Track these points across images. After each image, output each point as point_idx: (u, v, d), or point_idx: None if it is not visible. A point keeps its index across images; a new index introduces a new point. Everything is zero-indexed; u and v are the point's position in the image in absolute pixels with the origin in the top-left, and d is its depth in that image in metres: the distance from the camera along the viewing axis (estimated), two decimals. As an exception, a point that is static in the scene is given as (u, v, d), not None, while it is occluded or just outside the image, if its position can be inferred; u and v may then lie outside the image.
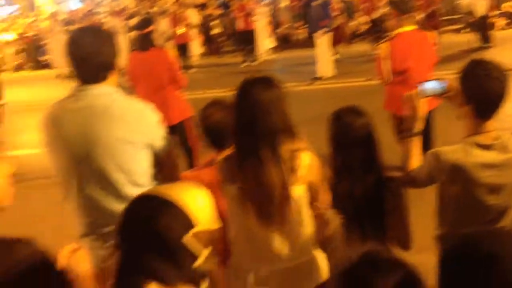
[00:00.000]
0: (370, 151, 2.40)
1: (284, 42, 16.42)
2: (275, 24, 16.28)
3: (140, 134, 2.37)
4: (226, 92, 10.85)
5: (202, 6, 17.55)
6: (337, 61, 12.08)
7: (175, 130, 5.43)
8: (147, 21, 5.87)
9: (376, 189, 2.34)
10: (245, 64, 14.03)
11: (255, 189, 2.15)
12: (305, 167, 2.15)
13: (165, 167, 2.56)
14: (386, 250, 1.30)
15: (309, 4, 12.16)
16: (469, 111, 2.27)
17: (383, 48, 5.04)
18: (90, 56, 2.32)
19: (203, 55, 16.56)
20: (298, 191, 2.17)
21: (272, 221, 2.16)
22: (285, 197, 2.13)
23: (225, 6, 16.93)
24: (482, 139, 2.23)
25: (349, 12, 16.05)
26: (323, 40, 10.77)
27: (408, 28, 4.95)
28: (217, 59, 15.85)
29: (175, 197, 1.27)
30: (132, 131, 2.35)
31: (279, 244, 2.21)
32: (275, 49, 15.26)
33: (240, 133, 2.18)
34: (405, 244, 2.39)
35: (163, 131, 2.50)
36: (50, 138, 2.41)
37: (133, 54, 5.78)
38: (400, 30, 4.95)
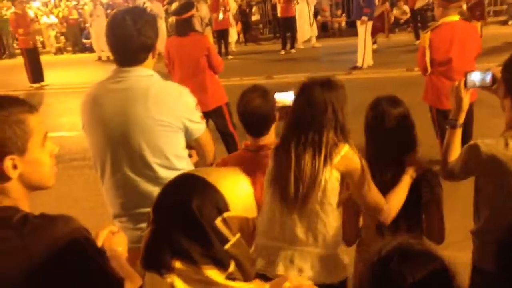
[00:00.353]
0: (406, 141, 2.36)
1: (324, 30, 16.26)
2: (315, 12, 16.10)
3: (178, 116, 2.38)
4: (263, 80, 10.94)
5: (241, -7, 17.57)
6: (376, 51, 11.92)
7: (211, 116, 5.46)
8: (187, 6, 5.88)
9: (414, 182, 2.31)
10: (284, 52, 13.97)
11: (286, 172, 2.19)
12: (341, 157, 2.17)
13: (200, 151, 2.58)
14: (419, 243, 1.27)
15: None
16: (509, 103, 2.20)
17: (424, 38, 4.94)
18: (131, 37, 2.33)
19: (241, 42, 16.58)
20: (330, 179, 2.17)
21: (295, 205, 2.19)
22: (314, 184, 2.15)
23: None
24: None
25: (392, 1, 15.79)
26: (364, 29, 10.61)
27: (453, 18, 4.83)
28: (255, 46, 15.85)
29: (213, 179, 1.27)
30: (170, 113, 2.36)
31: (299, 229, 2.23)
32: (317, 38, 15.10)
33: (292, 125, 2.25)
34: (438, 238, 2.36)
35: (200, 115, 2.51)
36: (88, 117, 2.45)
37: (171, 39, 5.81)
38: (445, 19, 4.83)
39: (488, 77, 2.34)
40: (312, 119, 2.18)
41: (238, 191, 1.30)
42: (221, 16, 13.89)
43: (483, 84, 2.37)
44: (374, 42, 12.06)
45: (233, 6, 15.11)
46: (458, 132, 2.37)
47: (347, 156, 2.18)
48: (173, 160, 2.41)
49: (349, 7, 15.42)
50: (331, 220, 2.24)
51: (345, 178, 2.21)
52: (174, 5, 14.85)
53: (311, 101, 2.20)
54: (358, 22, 10.75)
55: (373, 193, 2.23)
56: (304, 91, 2.25)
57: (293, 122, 2.25)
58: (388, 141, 2.33)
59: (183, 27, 5.55)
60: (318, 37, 15.15)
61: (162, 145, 2.37)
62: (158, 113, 2.34)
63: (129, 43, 2.35)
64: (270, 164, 2.31)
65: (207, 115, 5.56)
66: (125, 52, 2.39)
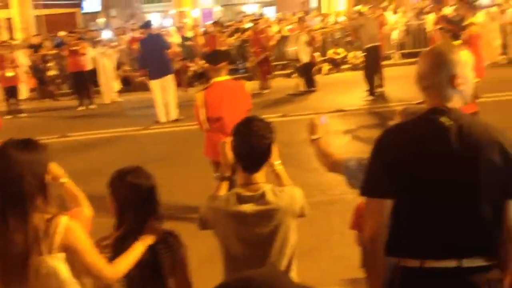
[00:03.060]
0: (144, 211, 2.38)
1: (126, 84, 16.21)
2: (117, 66, 15.96)
3: None
4: (57, 138, 10.37)
5: (36, 47, 16.72)
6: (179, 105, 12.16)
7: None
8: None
9: (152, 247, 2.33)
10: (81, 108, 13.51)
11: None
12: (63, 233, 2.08)
13: None
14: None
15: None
16: (238, 164, 2.47)
17: (198, 97, 5.30)
18: None
19: (36, 98, 15.66)
20: (54, 260, 2.09)
21: None
22: (27, 268, 2.03)
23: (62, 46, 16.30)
24: (243, 190, 2.43)
25: (190, 55, 16.43)
26: (153, 85, 10.88)
27: (222, 78, 5.27)
28: (51, 103, 15.06)
29: None
30: None
31: None
32: (118, 92, 14.96)
33: None
34: None
35: None
36: None
37: None
38: (214, 80, 5.29)
39: None
40: (9, 188, 2.04)
41: None
42: (9, 72, 12.97)
43: None
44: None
45: (23, 62, 14.25)
46: (224, 185, 2.58)
47: (69, 231, 2.08)
48: None
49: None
50: None
51: (70, 255, 2.11)
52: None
53: (6, 167, 2.04)
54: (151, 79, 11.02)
55: (94, 258, 2.17)
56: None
57: None
58: (125, 211, 2.36)
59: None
60: (120, 92, 15.07)
61: None
62: None
63: None
64: None
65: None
66: None
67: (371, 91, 11.14)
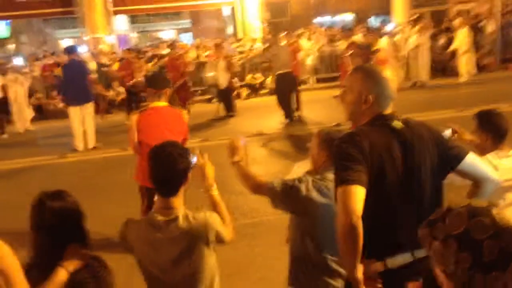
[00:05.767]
0: (64, 236, 2.32)
1: (40, 113, 15.62)
2: (29, 93, 15.30)
3: None
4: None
5: None
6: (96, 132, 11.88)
7: None
8: None
9: (75, 274, 2.26)
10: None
11: None
12: None
13: None
14: None
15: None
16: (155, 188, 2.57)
17: (132, 119, 5.12)
18: None
19: None
20: None
21: None
22: None
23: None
24: (158, 215, 2.49)
25: (106, 82, 16.12)
26: (72, 112, 10.63)
27: (160, 103, 5.07)
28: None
29: None
30: None
31: None
32: (31, 120, 14.35)
33: None
34: None
35: None
36: None
37: None
38: (153, 104, 5.08)
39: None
40: None
41: None
42: None
43: None
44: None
45: None
46: None
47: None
48: None
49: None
50: None
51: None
52: None
53: None
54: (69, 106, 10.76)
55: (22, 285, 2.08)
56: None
57: None
58: (48, 236, 2.30)
59: None
60: (33, 120, 14.50)
61: None
62: None
63: None
64: None
65: None
66: None
67: (288, 115, 11.47)
